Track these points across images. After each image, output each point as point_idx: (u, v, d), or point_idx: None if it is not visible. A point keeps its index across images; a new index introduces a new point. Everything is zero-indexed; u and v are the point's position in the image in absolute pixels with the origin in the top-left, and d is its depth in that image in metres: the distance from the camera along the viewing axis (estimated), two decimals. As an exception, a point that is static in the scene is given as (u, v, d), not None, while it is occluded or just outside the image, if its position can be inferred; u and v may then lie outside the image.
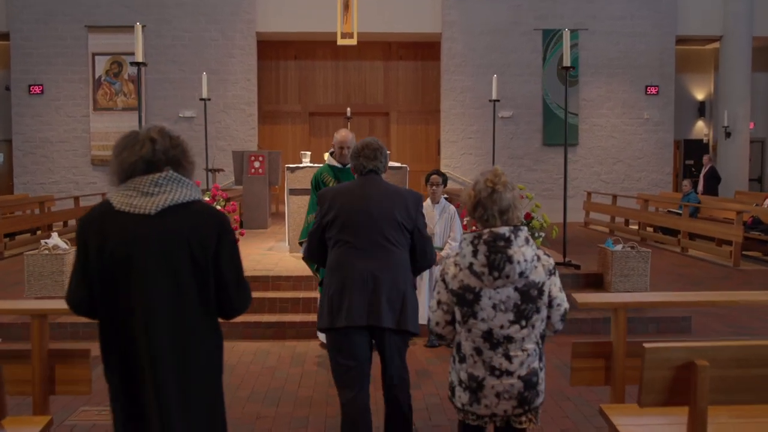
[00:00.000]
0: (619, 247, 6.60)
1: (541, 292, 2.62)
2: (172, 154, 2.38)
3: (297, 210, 8.04)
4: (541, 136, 16.87)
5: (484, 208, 2.71)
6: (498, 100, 10.48)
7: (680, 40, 17.34)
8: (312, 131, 17.92)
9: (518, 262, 2.56)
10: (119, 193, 2.32)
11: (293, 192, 8.07)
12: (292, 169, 8.03)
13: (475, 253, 2.61)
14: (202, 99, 10.39)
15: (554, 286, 2.69)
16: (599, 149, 17.08)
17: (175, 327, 2.30)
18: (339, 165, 5.31)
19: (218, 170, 13.99)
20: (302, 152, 8.25)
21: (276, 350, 5.80)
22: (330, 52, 17.73)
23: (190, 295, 2.30)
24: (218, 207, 6.34)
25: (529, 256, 2.60)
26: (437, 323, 2.71)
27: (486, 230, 2.66)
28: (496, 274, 2.55)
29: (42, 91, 16.14)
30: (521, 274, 2.56)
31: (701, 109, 18.95)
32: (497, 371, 2.58)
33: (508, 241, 2.59)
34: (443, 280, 2.69)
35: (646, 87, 17.03)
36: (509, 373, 2.58)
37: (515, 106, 16.60)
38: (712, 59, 18.66)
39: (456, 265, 2.68)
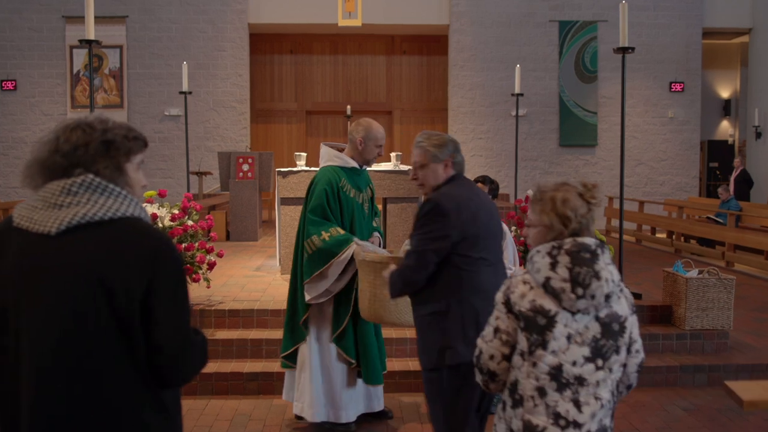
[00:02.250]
0: (694, 273, 5.27)
1: (623, 328, 2.16)
2: (80, 155, 1.72)
3: (290, 222, 6.71)
4: (557, 137, 15.61)
5: (585, 233, 2.19)
6: (521, 94, 9.22)
7: (704, 34, 16.08)
8: (309, 131, 16.62)
9: (606, 281, 2.11)
10: (27, 203, 1.75)
11: (286, 201, 6.75)
12: (285, 174, 6.71)
13: (553, 266, 2.12)
14: (182, 92, 9.06)
15: (635, 327, 2.22)
16: (619, 150, 15.76)
17: (78, 410, 1.61)
18: (356, 165, 4.07)
19: (205, 173, 12.72)
20: (297, 153, 6.93)
21: (260, 413, 4.44)
22: (329, 46, 16.46)
23: (105, 357, 1.63)
24: (190, 222, 5.01)
25: (616, 277, 2.17)
26: (491, 356, 2.19)
27: (568, 239, 2.14)
28: (579, 291, 2.08)
29: (15, 87, 14.86)
30: (607, 297, 2.12)
31: (726, 108, 17.68)
32: (562, 420, 2.08)
33: (594, 255, 2.13)
34: (506, 302, 2.16)
35: (671, 83, 15.77)
36: (577, 426, 2.08)
37: (529, 103, 15.29)
38: (739, 54, 17.41)
39: (525, 283, 2.16)
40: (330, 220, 3.91)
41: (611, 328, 2.13)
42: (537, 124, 15.48)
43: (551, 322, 2.09)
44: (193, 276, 5.21)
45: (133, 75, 14.92)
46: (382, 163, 7.26)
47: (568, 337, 2.09)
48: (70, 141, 1.72)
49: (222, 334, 5.15)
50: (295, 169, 6.72)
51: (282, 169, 6.69)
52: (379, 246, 4.02)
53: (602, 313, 2.12)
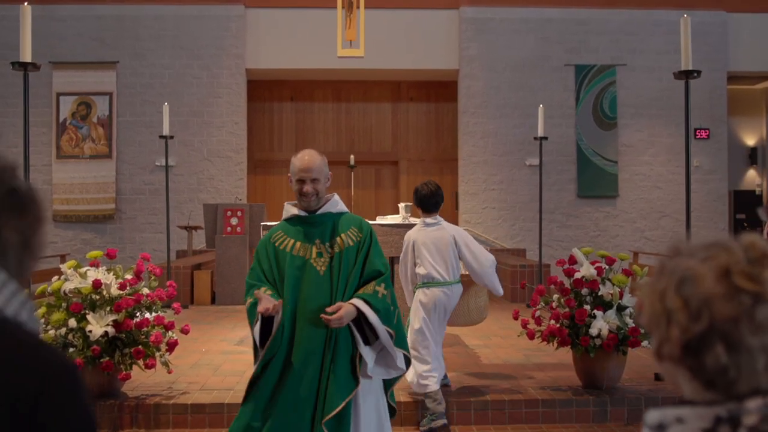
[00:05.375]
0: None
1: None
2: None
3: (278, 287, 5.59)
4: (575, 187, 14.59)
5: (737, 350, 0.94)
6: (545, 138, 8.20)
7: (728, 78, 15.21)
8: (310, 182, 15.62)
9: None
10: None
11: (273, 261, 5.63)
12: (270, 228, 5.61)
13: None
14: (162, 137, 8.08)
15: None
16: (642, 202, 14.76)
17: None
18: (296, 212, 3.16)
19: (195, 228, 11.68)
20: (287, 203, 5.86)
21: None
22: (331, 93, 15.62)
23: None
24: (146, 291, 3.89)
25: None
26: None
27: (753, 402, 0.91)
28: None
29: (-2, 137, 14.03)
30: None
31: (752, 156, 16.67)
32: None
33: None
34: None
35: (695, 130, 14.80)
36: None
37: (545, 152, 14.09)
38: (764, 99, 16.52)
39: None
40: (262, 281, 3.00)
41: None
42: (553, 173, 14.47)
43: None
44: (147, 361, 4.06)
45: (122, 123, 14.05)
46: (389, 216, 6.18)
47: None
48: None
49: (180, 438, 3.98)
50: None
51: (267, 223, 5.60)
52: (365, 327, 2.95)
53: None
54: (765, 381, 0.95)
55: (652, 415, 1.00)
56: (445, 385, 4.83)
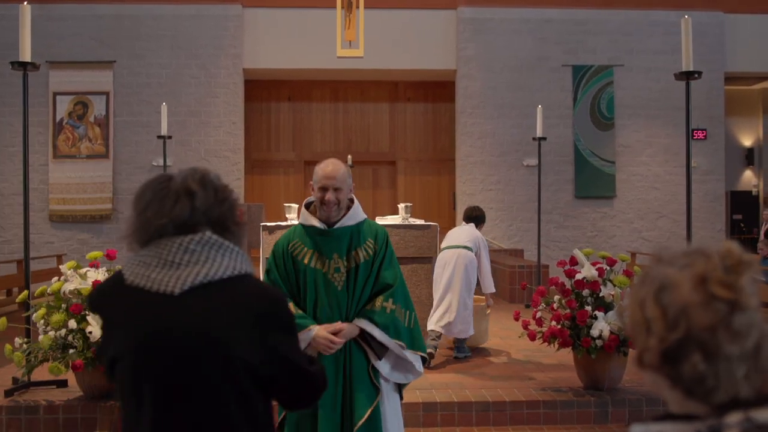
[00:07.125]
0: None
1: None
2: (217, 213, 1.71)
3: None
4: (572, 188, 14.61)
5: (715, 358, 0.95)
6: (544, 138, 8.19)
7: (725, 79, 15.25)
8: (308, 182, 15.53)
9: None
10: (135, 260, 1.66)
11: (272, 262, 5.63)
12: (271, 229, 5.61)
13: None
14: (160, 137, 8.07)
15: None
16: (639, 202, 14.78)
17: None
18: (315, 223, 3.05)
19: (192, 228, 11.64)
20: (286, 205, 5.85)
21: None
22: (329, 93, 15.60)
23: (223, 424, 1.56)
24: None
25: None
26: None
27: (734, 416, 0.90)
28: None
29: (-7, 136, 13.95)
30: None
31: (749, 157, 16.74)
32: None
33: None
34: None
35: (693, 131, 14.79)
36: None
37: (542, 152, 14.16)
38: (760, 100, 16.59)
39: None
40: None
41: None
42: (551, 174, 14.47)
43: None
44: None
45: (120, 123, 14.01)
46: (388, 216, 6.18)
47: None
48: (207, 201, 1.69)
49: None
50: (283, 223, 5.63)
51: (268, 224, 5.60)
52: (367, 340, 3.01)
53: None
54: (745, 390, 0.95)
55: (636, 430, 1.01)
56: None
